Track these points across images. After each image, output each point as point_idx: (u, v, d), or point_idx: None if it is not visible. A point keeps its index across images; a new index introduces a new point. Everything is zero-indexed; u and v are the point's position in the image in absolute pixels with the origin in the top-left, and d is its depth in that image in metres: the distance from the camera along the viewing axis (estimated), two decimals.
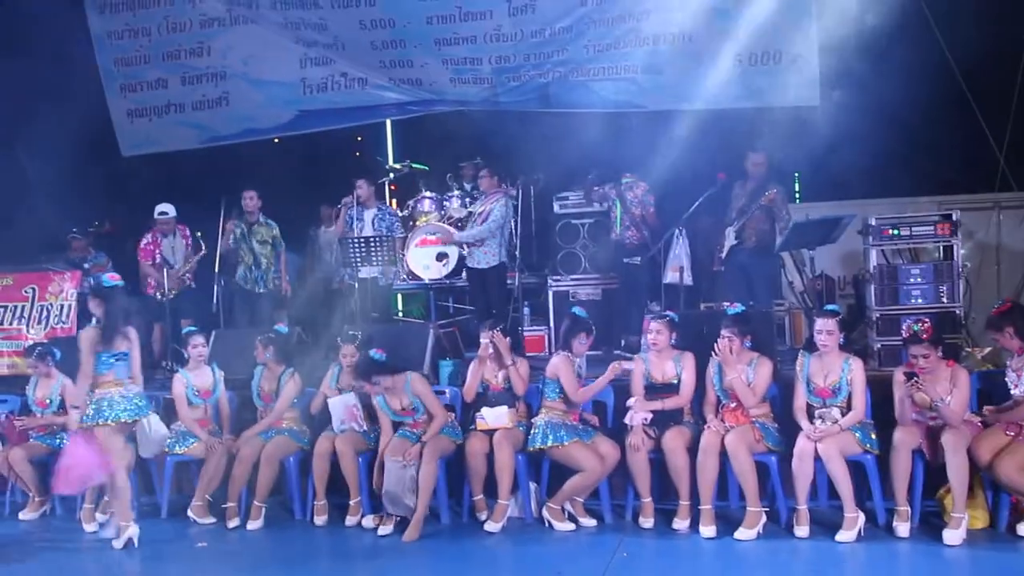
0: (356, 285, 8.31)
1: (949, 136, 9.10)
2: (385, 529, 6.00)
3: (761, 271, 7.75)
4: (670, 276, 7.90)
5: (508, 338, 6.36)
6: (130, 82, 9.79)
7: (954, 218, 6.69)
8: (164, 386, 7.25)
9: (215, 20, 9.47)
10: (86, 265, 9.03)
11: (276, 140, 10.36)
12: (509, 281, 8.48)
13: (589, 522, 5.99)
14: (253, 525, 6.31)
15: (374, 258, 8.21)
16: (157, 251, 8.76)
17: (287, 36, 9.36)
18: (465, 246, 8.42)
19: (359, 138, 12.02)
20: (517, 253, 8.58)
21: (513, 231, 8.64)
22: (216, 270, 8.65)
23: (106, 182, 9.69)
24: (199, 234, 8.92)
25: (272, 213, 8.96)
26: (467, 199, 9.65)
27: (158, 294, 8.56)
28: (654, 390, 6.02)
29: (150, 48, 9.64)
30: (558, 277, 8.68)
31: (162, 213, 8.79)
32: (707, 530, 5.62)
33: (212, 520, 6.45)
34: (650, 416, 5.89)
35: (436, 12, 8.84)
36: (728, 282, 7.73)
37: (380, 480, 6.06)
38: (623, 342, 8.31)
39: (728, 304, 6.17)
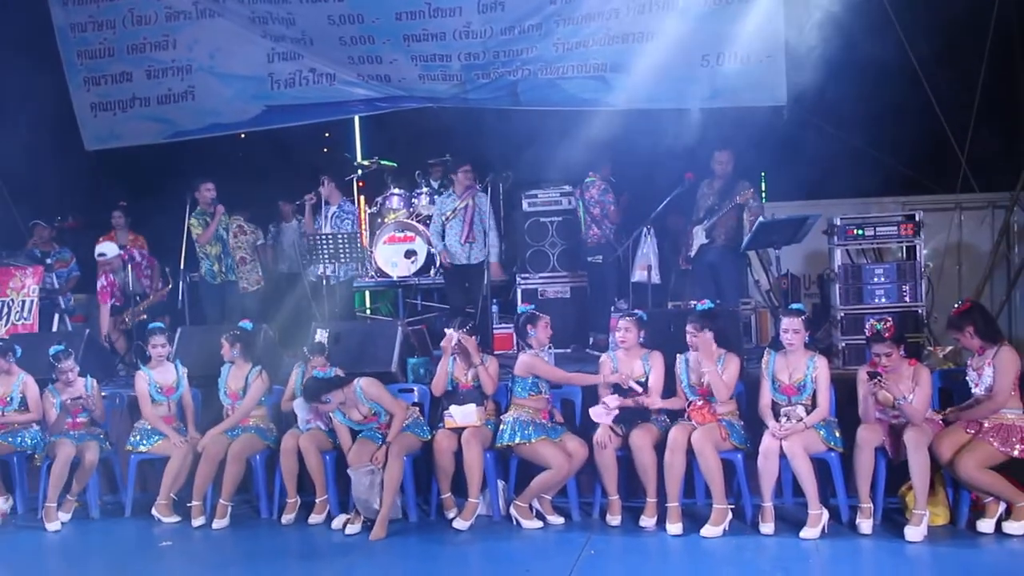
0: (325, 282, 8.26)
1: (913, 138, 9.24)
2: (353, 528, 5.97)
3: (729, 269, 7.82)
4: (638, 274, 7.96)
5: (477, 336, 6.34)
6: (94, 75, 9.67)
7: (917, 218, 6.78)
8: (128, 383, 7.16)
9: (181, 13, 9.37)
10: (49, 260, 8.91)
11: (242, 135, 10.29)
12: (496, 278, 8.38)
13: (557, 520, 6.01)
14: (219, 524, 6.25)
15: (341, 255, 8.17)
16: (114, 288, 8.60)
17: (254, 30, 9.28)
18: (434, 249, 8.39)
19: (327, 134, 11.94)
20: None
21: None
22: (181, 266, 8.55)
23: (69, 177, 9.54)
24: (167, 270, 8.77)
25: (239, 209, 8.90)
26: (435, 196, 9.64)
27: (119, 327, 8.46)
28: (622, 388, 6.04)
29: (114, 41, 9.52)
30: (527, 275, 8.70)
31: (100, 255, 8.59)
32: (674, 527, 5.66)
33: (177, 519, 6.38)
34: (616, 411, 5.91)
35: (405, 8, 8.81)
36: (696, 280, 7.80)
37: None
38: (591, 340, 8.35)
39: (697, 302, 6.21)
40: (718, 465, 5.66)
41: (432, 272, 9.11)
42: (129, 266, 8.66)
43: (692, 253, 7.87)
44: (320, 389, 6.02)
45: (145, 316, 8.35)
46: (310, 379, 6.14)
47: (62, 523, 6.36)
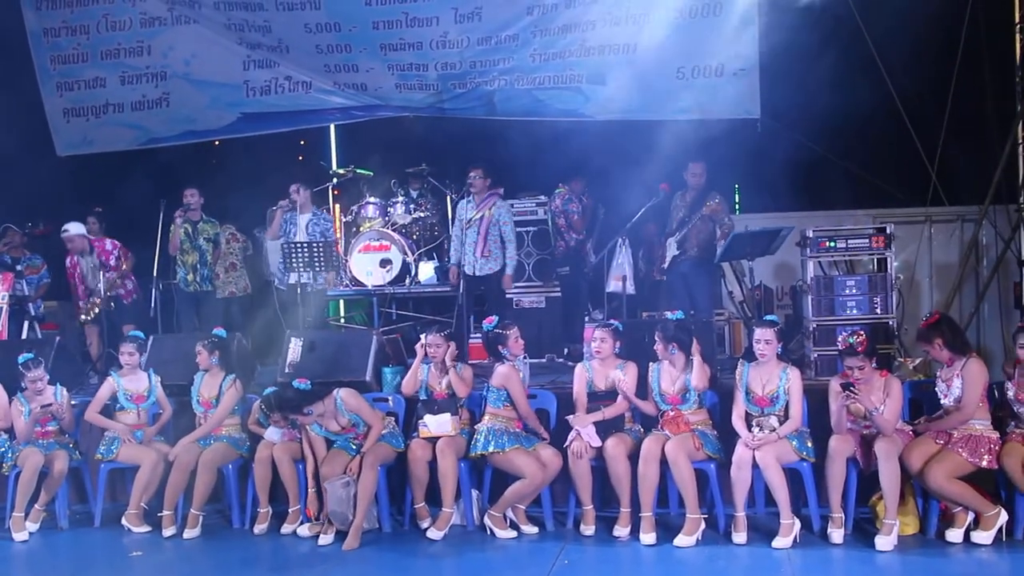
0: (300, 291, 8.21)
1: (884, 152, 9.38)
2: (326, 538, 5.94)
3: (702, 281, 7.85)
4: (612, 285, 7.99)
5: (452, 343, 6.33)
6: (67, 80, 9.60)
7: (888, 231, 6.86)
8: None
9: (156, 19, 9.32)
10: (19, 267, 8.80)
11: (217, 143, 10.24)
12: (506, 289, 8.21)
13: (531, 529, 6.00)
14: (190, 534, 6.18)
15: (315, 264, 8.13)
16: (76, 272, 8.54)
17: (230, 37, 9.25)
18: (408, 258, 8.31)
19: (302, 142, 11.91)
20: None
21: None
22: (154, 274, 8.48)
23: (41, 182, 9.44)
24: (129, 255, 8.62)
25: (214, 216, 8.85)
26: (411, 205, 9.63)
27: (79, 318, 8.37)
28: (596, 398, 6.06)
29: (88, 46, 9.46)
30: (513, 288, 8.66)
31: (63, 231, 8.46)
32: (647, 537, 5.68)
33: (147, 529, 6.31)
34: (593, 428, 5.92)
35: (382, 17, 8.81)
36: (669, 292, 7.83)
37: (317, 504, 6.02)
38: (566, 350, 8.37)
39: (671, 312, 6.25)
40: (692, 475, 5.69)
41: (407, 281, 9.09)
42: (93, 245, 8.51)
43: (665, 265, 7.89)
44: (301, 401, 5.98)
45: (109, 305, 8.30)
46: (289, 390, 6.06)
47: (30, 533, 6.26)
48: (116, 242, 8.62)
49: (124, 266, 8.51)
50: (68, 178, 9.81)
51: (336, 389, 6.15)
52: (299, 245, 8.08)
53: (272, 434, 6.28)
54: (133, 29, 9.36)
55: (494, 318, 6.23)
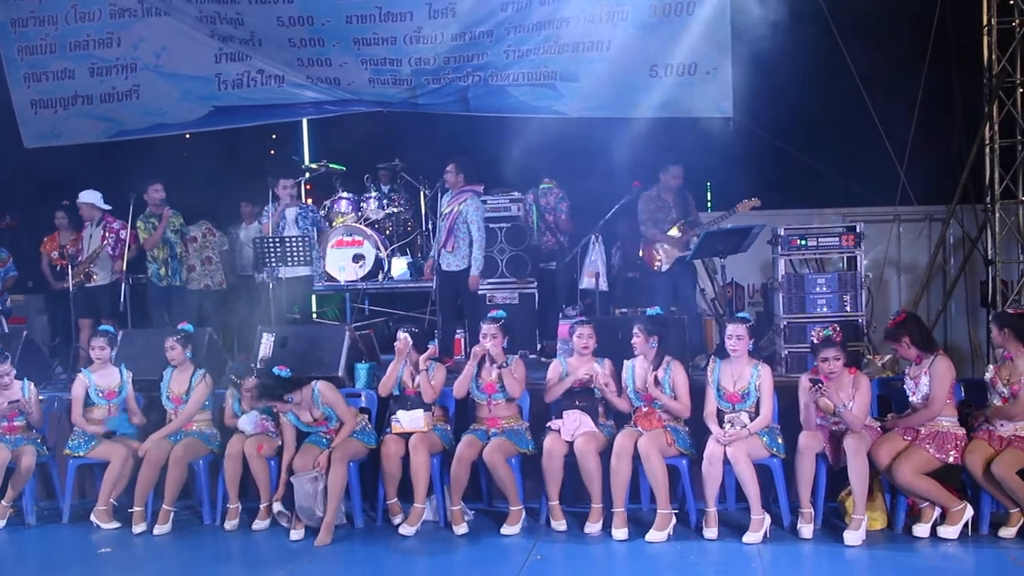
0: (272, 285, 8.14)
1: (854, 151, 9.47)
2: (297, 534, 5.92)
3: (687, 279, 7.85)
4: (586, 281, 8.01)
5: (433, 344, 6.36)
6: (34, 72, 9.45)
7: (858, 230, 6.94)
8: (67, 386, 6.99)
9: (126, 11, 9.20)
10: None
11: (187, 136, 10.14)
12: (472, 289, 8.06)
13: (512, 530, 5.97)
14: (161, 530, 6.14)
15: (289, 258, 8.06)
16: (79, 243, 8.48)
17: (202, 30, 9.15)
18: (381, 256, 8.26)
19: (274, 135, 11.84)
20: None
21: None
22: (124, 268, 8.38)
23: (8, 175, 9.31)
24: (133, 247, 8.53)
25: (182, 210, 8.77)
26: (384, 201, 9.60)
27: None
28: (573, 394, 6.08)
29: (56, 37, 9.31)
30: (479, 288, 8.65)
31: (77, 197, 8.49)
32: (620, 532, 5.71)
33: (116, 525, 6.26)
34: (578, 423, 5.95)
35: (355, 11, 8.75)
36: (653, 289, 7.75)
37: (282, 493, 6.02)
38: (540, 346, 8.38)
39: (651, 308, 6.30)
40: (664, 471, 5.73)
41: (380, 277, 9.05)
42: (104, 224, 8.50)
43: (665, 266, 7.73)
44: (281, 388, 5.97)
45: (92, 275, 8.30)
46: (269, 376, 6.06)
47: None
48: (128, 228, 8.48)
49: (128, 252, 8.39)
50: (35, 170, 9.67)
51: (315, 381, 6.14)
52: (275, 240, 7.99)
53: (245, 423, 6.25)
54: (102, 20, 9.24)
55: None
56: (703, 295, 8.59)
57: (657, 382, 5.90)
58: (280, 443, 6.23)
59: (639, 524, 5.82)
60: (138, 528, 6.16)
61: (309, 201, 10.06)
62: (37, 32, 9.32)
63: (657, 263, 7.74)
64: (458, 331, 8.28)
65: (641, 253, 7.86)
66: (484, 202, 8.27)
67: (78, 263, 8.25)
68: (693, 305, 7.86)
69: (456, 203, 7.84)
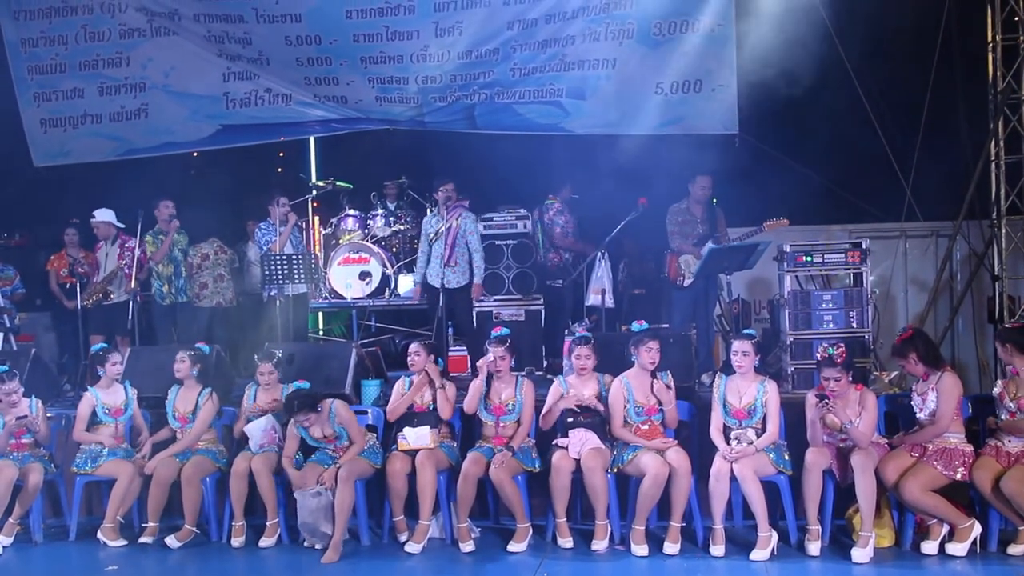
0: (278, 303, 8.17)
1: (860, 167, 9.49)
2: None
3: (714, 293, 7.84)
4: (592, 298, 8.01)
5: (434, 357, 6.35)
6: (44, 91, 9.51)
7: (864, 246, 6.95)
8: (75, 404, 7.01)
9: (135, 31, 9.27)
10: None
11: (195, 154, 10.19)
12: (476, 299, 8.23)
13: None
14: (176, 544, 6.16)
15: (295, 275, 8.09)
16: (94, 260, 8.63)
17: (210, 49, 9.22)
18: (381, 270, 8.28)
19: (281, 153, 11.90)
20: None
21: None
22: (132, 285, 8.42)
23: (17, 193, 9.38)
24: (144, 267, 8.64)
25: (190, 228, 8.82)
26: (391, 218, 9.63)
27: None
28: (575, 412, 6.07)
29: (66, 57, 9.38)
30: (482, 298, 8.69)
31: (92, 216, 8.65)
32: (640, 549, 5.68)
33: (123, 542, 6.26)
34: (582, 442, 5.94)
35: (363, 31, 8.81)
36: (680, 304, 7.75)
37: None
38: (546, 363, 8.38)
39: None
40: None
41: (387, 294, 9.07)
42: (118, 244, 8.66)
43: (687, 282, 7.67)
44: (307, 404, 5.99)
45: (110, 293, 8.39)
46: (296, 391, 6.11)
47: (3, 547, 6.21)
48: (142, 247, 8.56)
49: (140, 272, 8.46)
50: (44, 189, 9.74)
51: (333, 399, 6.16)
52: (283, 258, 8.03)
53: (254, 429, 6.26)
54: (112, 40, 9.31)
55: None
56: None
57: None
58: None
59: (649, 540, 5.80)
60: (147, 540, 6.24)
61: (316, 221, 10.09)
62: (47, 52, 9.39)
63: (681, 278, 7.73)
64: (461, 348, 8.31)
65: (667, 269, 7.84)
66: (492, 219, 8.37)
67: (96, 282, 8.30)
68: (712, 321, 7.86)
69: (453, 219, 7.92)
